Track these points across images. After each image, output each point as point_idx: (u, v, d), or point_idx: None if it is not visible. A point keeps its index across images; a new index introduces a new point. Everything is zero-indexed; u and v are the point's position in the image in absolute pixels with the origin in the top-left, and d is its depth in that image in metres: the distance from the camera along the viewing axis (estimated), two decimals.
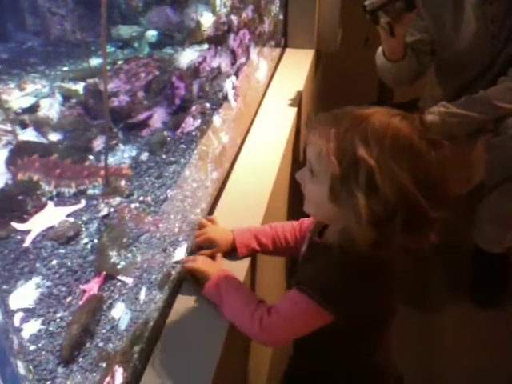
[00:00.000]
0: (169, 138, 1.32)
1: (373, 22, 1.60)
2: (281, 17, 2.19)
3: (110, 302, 0.98)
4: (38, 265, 1.00)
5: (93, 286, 0.97)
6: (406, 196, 0.83)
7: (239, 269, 1.15)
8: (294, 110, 1.85)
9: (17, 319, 0.90)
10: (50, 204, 1.10)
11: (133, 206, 1.13)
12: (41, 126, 1.23)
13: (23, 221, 1.05)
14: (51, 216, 1.06)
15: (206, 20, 1.50)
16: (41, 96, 1.30)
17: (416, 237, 0.88)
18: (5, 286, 0.94)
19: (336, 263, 0.94)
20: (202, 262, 1.12)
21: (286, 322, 0.96)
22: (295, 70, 2.12)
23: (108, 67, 1.32)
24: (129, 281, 1.01)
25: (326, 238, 1.01)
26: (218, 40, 1.50)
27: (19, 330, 0.88)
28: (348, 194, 0.85)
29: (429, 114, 1.80)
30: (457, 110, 1.76)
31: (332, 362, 1.06)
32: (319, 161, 0.90)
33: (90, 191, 1.14)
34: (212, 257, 1.16)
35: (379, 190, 0.83)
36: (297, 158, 2.00)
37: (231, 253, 1.18)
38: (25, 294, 0.94)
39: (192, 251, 1.18)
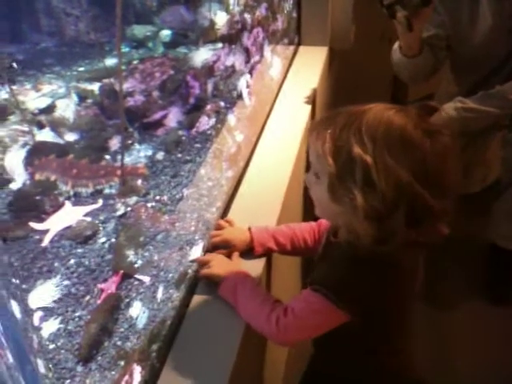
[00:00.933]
0: (184, 137, 1.32)
1: (390, 17, 1.60)
2: (294, 14, 2.19)
3: (127, 300, 0.98)
4: (56, 264, 1.01)
5: (110, 285, 0.98)
6: (405, 189, 0.83)
7: (255, 268, 1.15)
8: (309, 107, 1.84)
9: (36, 318, 0.90)
10: (68, 204, 1.11)
11: (149, 205, 1.13)
12: (57, 126, 1.24)
13: (41, 220, 1.06)
14: (69, 216, 1.07)
15: (220, 19, 1.50)
16: (57, 96, 1.31)
17: (422, 230, 0.88)
18: (24, 286, 0.95)
19: (346, 261, 0.94)
20: (217, 264, 1.11)
21: (302, 321, 0.96)
22: (309, 68, 2.11)
23: (123, 67, 1.32)
24: (146, 279, 1.02)
25: (339, 237, 1.01)
26: (231, 38, 1.50)
27: (38, 328, 0.89)
28: (346, 191, 0.86)
29: (445, 109, 1.79)
30: (473, 105, 1.74)
31: (351, 363, 1.06)
32: (319, 162, 0.91)
33: (107, 191, 1.15)
34: (228, 255, 1.16)
35: (376, 186, 0.83)
36: None
37: (247, 252, 1.18)
38: (44, 294, 0.95)
39: (208, 250, 1.18)
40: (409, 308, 1.03)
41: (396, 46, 1.86)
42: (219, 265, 1.11)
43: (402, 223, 0.84)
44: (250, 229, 1.19)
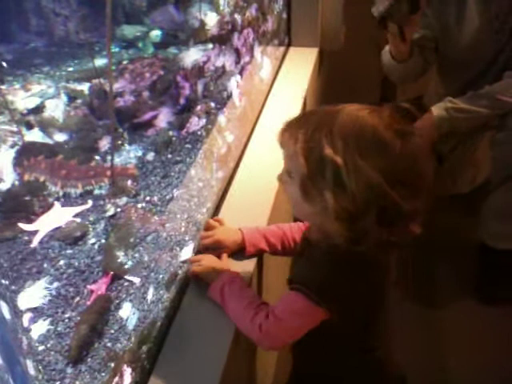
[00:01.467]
0: (174, 138, 1.32)
1: (382, 29, 1.63)
2: (284, 15, 2.19)
3: (117, 301, 0.98)
4: (45, 265, 1.00)
5: (100, 286, 0.97)
6: (375, 190, 0.83)
7: (245, 268, 1.15)
8: (299, 108, 1.84)
9: (25, 319, 0.90)
10: (57, 204, 1.10)
11: (139, 205, 1.13)
12: (46, 126, 1.24)
13: (30, 221, 1.06)
14: (58, 216, 1.07)
15: (210, 19, 1.50)
16: (46, 97, 1.31)
17: (393, 230, 0.88)
18: (13, 287, 0.94)
19: (326, 260, 0.93)
20: (207, 263, 1.12)
21: (284, 323, 0.95)
22: (299, 69, 2.11)
23: (113, 67, 1.32)
24: (136, 280, 1.01)
25: (312, 236, 1.01)
26: (222, 39, 1.50)
27: (28, 330, 0.88)
28: (317, 192, 0.87)
29: (435, 109, 1.80)
30: (463, 106, 1.75)
31: (330, 361, 1.06)
32: (291, 161, 0.91)
33: (97, 191, 1.14)
34: (219, 256, 1.16)
35: (346, 187, 0.83)
36: None
37: (239, 252, 1.18)
38: (33, 295, 0.94)
39: (199, 251, 1.18)
40: (386, 306, 1.03)
41: (386, 49, 1.87)
42: (210, 264, 1.11)
43: (374, 224, 0.84)
44: (240, 229, 1.19)
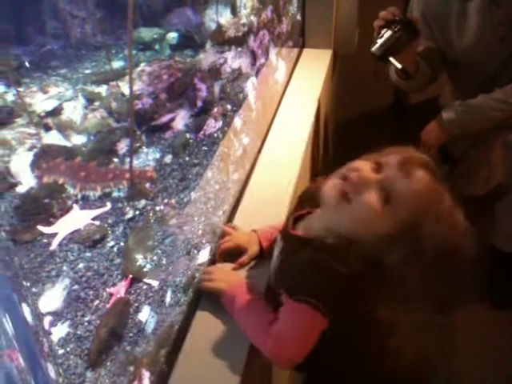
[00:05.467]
0: (191, 140, 1.32)
1: (384, 63, 1.63)
2: (298, 17, 2.19)
3: (136, 305, 0.98)
4: (64, 268, 1.00)
5: (120, 290, 0.97)
6: None
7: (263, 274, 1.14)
8: (313, 109, 1.84)
9: (45, 323, 0.90)
10: (76, 207, 1.10)
11: (157, 208, 1.12)
12: (64, 128, 1.24)
13: (49, 224, 1.06)
14: (77, 219, 1.07)
15: (227, 21, 1.50)
16: (64, 99, 1.31)
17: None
18: (33, 289, 0.94)
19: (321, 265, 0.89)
20: (218, 277, 1.09)
21: (291, 337, 0.92)
22: (313, 71, 2.11)
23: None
24: (155, 284, 1.01)
25: (305, 231, 0.98)
26: (238, 41, 1.50)
27: (48, 333, 0.88)
28: None
29: (445, 112, 1.80)
30: (473, 109, 1.75)
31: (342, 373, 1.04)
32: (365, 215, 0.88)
33: (115, 194, 1.14)
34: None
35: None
36: (316, 158, 1.99)
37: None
38: (52, 298, 0.94)
39: (218, 256, 1.17)
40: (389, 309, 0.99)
41: (392, 68, 1.86)
42: (221, 278, 1.09)
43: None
44: (254, 230, 1.19)
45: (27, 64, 1.28)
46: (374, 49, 1.58)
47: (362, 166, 0.90)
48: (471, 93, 1.81)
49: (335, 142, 2.71)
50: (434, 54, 1.84)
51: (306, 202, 1.05)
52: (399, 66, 1.63)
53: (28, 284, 0.91)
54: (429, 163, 0.89)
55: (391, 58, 1.59)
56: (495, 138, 1.89)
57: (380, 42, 1.55)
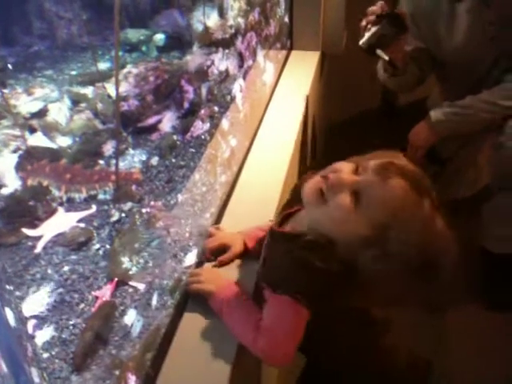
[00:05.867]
0: (178, 142, 1.31)
1: (371, 56, 1.64)
2: (286, 19, 2.19)
3: (122, 308, 0.97)
4: (49, 271, 0.99)
5: (105, 293, 0.97)
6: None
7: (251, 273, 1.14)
8: (301, 111, 1.84)
9: (30, 326, 0.89)
10: (61, 209, 1.09)
11: (143, 210, 1.12)
12: (50, 130, 1.23)
13: (34, 226, 1.05)
14: (62, 221, 1.06)
15: (214, 23, 1.49)
16: (49, 100, 1.30)
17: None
18: (17, 293, 0.93)
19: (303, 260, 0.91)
20: (207, 278, 1.09)
21: (280, 331, 0.94)
22: (301, 72, 2.11)
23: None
24: (141, 287, 1.01)
25: (292, 228, 1.00)
26: (225, 43, 1.49)
27: (32, 337, 0.87)
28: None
29: (434, 113, 1.80)
30: (462, 110, 1.76)
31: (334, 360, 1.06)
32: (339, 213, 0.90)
33: (101, 196, 1.13)
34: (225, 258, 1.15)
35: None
36: (304, 160, 1.99)
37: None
38: (37, 301, 0.94)
39: (205, 257, 1.17)
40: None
41: (380, 65, 1.87)
42: (209, 279, 1.08)
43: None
44: (239, 232, 1.20)
45: (9, 66, 1.26)
46: (361, 42, 1.59)
47: (343, 168, 0.92)
48: (460, 94, 1.82)
49: (324, 142, 2.71)
50: (422, 55, 1.85)
51: (295, 199, 1.05)
52: (386, 57, 1.63)
53: (11, 287, 0.90)
54: (409, 172, 0.89)
55: (378, 51, 1.60)
56: (484, 139, 1.90)
57: (368, 35, 1.57)
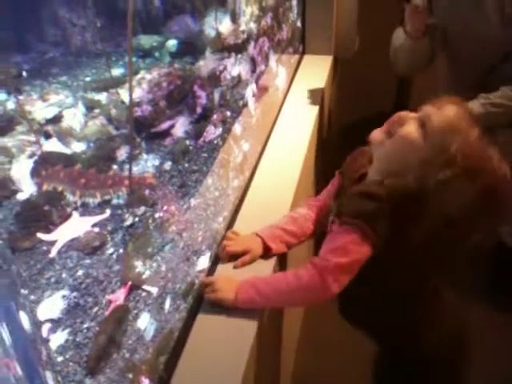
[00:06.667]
0: (191, 147, 1.32)
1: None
2: (298, 24, 2.19)
3: (135, 312, 0.98)
4: (64, 275, 1.00)
5: (119, 297, 0.97)
6: None
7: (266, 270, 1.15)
8: (314, 115, 1.84)
9: (44, 330, 0.90)
10: (75, 214, 1.10)
11: (157, 215, 1.12)
12: (64, 136, 1.24)
13: (49, 231, 1.06)
14: (76, 226, 1.07)
15: (226, 28, 1.50)
16: (64, 106, 1.31)
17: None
18: (32, 297, 0.94)
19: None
20: (221, 286, 1.08)
21: (341, 253, 1.00)
22: (314, 76, 2.11)
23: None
24: (154, 290, 1.01)
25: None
26: (237, 48, 1.50)
27: (47, 340, 0.88)
28: None
29: (472, 106, 1.77)
30: (499, 101, 1.74)
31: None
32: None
33: (115, 201, 1.14)
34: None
35: None
36: (318, 163, 1.99)
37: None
38: (52, 305, 0.94)
39: (215, 261, 1.17)
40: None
41: (397, 30, 1.86)
42: (224, 287, 1.08)
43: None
44: (255, 233, 1.20)
45: (24, 74, 1.28)
46: None
47: (402, 113, 1.05)
48: (471, 83, 1.81)
49: (337, 146, 2.71)
50: (435, 35, 1.85)
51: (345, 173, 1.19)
52: None
53: (26, 291, 0.91)
54: (460, 102, 1.03)
55: None
56: None
57: None
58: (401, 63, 1.95)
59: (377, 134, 1.06)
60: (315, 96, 1.96)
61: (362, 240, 0.99)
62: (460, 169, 0.95)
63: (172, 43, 1.52)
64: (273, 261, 1.18)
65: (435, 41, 1.87)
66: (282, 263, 1.26)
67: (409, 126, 1.01)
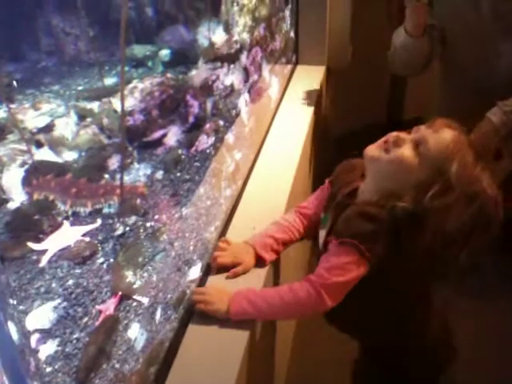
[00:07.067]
0: (183, 156, 1.32)
1: None
2: (292, 34, 2.20)
3: (126, 322, 0.97)
4: (54, 285, 1.00)
5: (109, 307, 0.97)
6: None
7: (259, 278, 1.14)
8: (307, 125, 1.84)
9: (33, 340, 0.89)
10: (66, 223, 1.10)
11: (148, 224, 1.12)
12: (56, 145, 1.24)
13: (39, 240, 1.05)
14: (67, 235, 1.06)
15: (219, 38, 1.51)
16: (56, 115, 1.31)
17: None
18: (21, 307, 0.94)
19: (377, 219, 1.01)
20: (213, 298, 1.07)
21: (339, 273, 1.01)
22: (307, 87, 2.12)
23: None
24: (144, 301, 1.00)
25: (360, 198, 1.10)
26: (230, 58, 1.51)
27: (36, 351, 0.87)
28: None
29: (492, 115, 1.75)
30: None
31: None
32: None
33: (106, 210, 1.14)
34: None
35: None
36: (311, 172, 1.99)
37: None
38: (41, 315, 0.94)
39: (207, 268, 1.17)
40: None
41: (398, 29, 1.87)
42: (216, 299, 1.07)
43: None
44: (246, 242, 1.19)
45: (14, 83, 1.28)
46: None
47: (398, 132, 1.07)
48: (468, 89, 1.81)
49: (330, 156, 2.71)
50: (435, 35, 1.85)
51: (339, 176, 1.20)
52: None
53: (15, 302, 0.90)
54: (454, 124, 1.06)
55: None
56: None
57: None
58: (399, 62, 1.95)
59: (372, 150, 1.07)
60: (308, 106, 1.96)
61: (360, 260, 1.00)
62: (458, 193, 0.97)
63: (165, 53, 1.53)
64: (265, 270, 1.18)
65: (434, 40, 1.87)
66: (275, 272, 1.25)
67: (406, 148, 1.03)
